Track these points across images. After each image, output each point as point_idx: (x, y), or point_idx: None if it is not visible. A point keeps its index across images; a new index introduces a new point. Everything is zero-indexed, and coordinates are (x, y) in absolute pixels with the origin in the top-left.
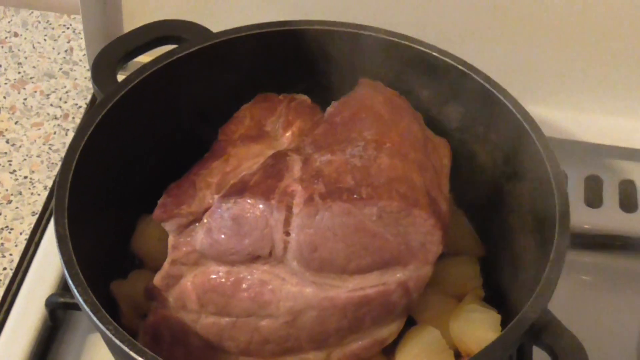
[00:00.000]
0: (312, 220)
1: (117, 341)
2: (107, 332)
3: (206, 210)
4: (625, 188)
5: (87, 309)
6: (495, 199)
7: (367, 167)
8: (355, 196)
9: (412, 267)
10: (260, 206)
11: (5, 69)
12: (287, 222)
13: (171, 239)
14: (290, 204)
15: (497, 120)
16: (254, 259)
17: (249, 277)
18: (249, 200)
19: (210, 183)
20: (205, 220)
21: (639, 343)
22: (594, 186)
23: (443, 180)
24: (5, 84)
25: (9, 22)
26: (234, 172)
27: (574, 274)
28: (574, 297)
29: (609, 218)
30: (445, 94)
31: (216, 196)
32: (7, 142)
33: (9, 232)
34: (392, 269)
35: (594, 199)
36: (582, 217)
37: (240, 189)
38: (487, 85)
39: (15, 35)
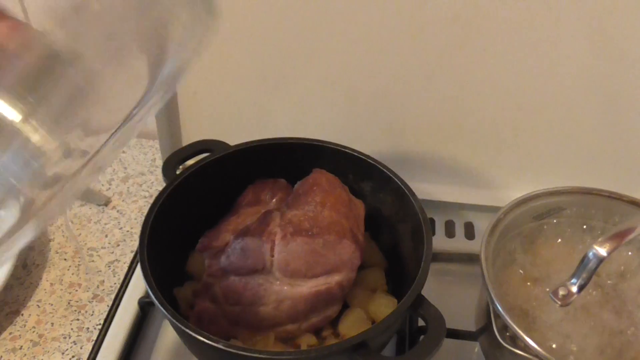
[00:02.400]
0: (286, 247)
1: (176, 322)
2: (171, 318)
3: (226, 244)
4: (469, 226)
5: (158, 305)
6: (391, 233)
7: (316, 217)
8: (310, 233)
9: (344, 273)
10: (257, 241)
11: (116, 172)
12: (272, 249)
13: (206, 262)
14: (273, 238)
15: (392, 191)
16: (254, 271)
17: (251, 282)
18: (250, 238)
19: (229, 229)
20: (226, 250)
21: (475, 315)
22: (450, 226)
23: (360, 223)
24: (117, 179)
25: None
26: (243, 222)
27: (439, 276)
28: (439, 289)
29: (459, 243)
30: (361, 176)
31: (232, 236)
32: (118, 211)
33: (118, 262)
34: (333, 274)
35: (450, 232)
36: (444, 244)
37: (245, 232)
38: (386, 172)
39: (123, 152)
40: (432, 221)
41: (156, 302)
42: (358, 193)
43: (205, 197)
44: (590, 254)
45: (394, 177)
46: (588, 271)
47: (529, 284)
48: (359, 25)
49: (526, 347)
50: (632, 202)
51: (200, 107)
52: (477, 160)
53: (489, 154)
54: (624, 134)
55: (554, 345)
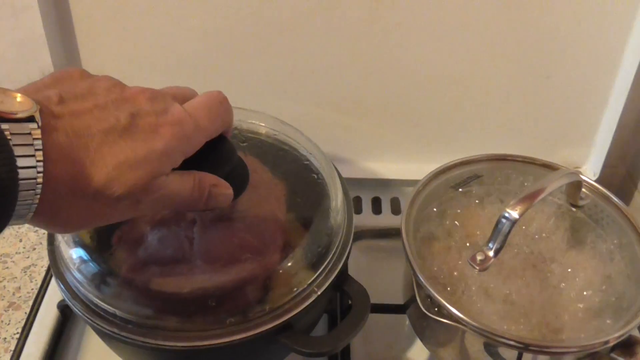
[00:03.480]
0: (205, 234)
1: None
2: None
3: (143, 236)
4: (395, 202)
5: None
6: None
7: (236, 201)
8: (229, 217)
9: (268, 255)
10: (175, 229)
11: None
12: (191, 237)
13: (124, 256)
14: (192, 226)
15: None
16: (175, 261)
17: (172, 273)
18: (167, 227)
19: (145, 220)
20: (143, 242)
21: (402, 289)
22: (376, 202)
23: (282, 204)
24: None
25: None
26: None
27: (367, 252)
28: (367, 266)
29: (385, 219)
30: (279, 159)
31: (148, 227)
32: None
33: (35, 267)
34: (256, 257)
35: (376, 209)
36: (370, 220)
37: (162, 221)
38: (306, 156)
39: None
40: (359, 199)
41: (72, 305)
42: (278, 175)
43: None
44: (503, 217)
45: (313, 164)
46: (502, 234)
47: (450, 253)
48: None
49: (450, 315)
50: (545, 165)
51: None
52: (397, 135)
53: (409, 128)
54: (534, 100)
55: (476, 311)
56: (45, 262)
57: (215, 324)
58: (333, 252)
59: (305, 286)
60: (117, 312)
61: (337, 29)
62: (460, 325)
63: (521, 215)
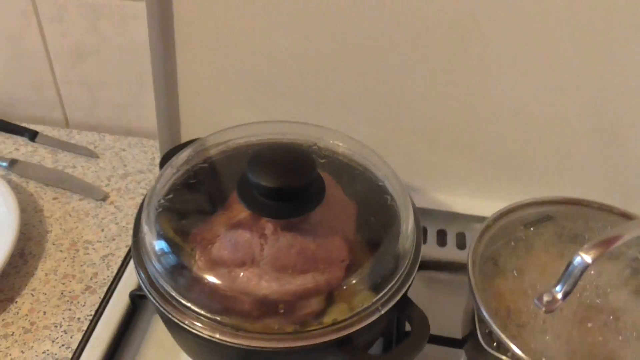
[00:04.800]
0: (276, 242)
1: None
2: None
3: (217, 237)
4: (460, 236)
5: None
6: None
7: (309, 214)
8: (301, 229)
9: (333, 271)
10: (247, 234)
11: (116, 169)
12: (262, 244)
13: (197, 255)
14: (264, 233)
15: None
16: (243, 265)
17: (241, 274)
18: (241, 231)
19: (221, 222)
20: (216, 243)
21: (461, 322)
22: (441, 234)
23: (352, 224)
24: (116, 176)
25: (120, 143)
26: (235, 217)
27: (429, 284)
28: (428, 296)
29: (450, 252)
30: (355, 179)
31: (223, 230)
32: (115, 207)
33: (112, 256)
34: (321, 272)
35: (441, 241)
36: (434, 252)
37: (236, 225)
38: (381, 182)
39: (123, 150)
40: (425, 229)
41: (148, 293)
42: (351, 195)
43: (200, 193)
44: (576, 260)
45: (387, 188)
46: (573, 278)
47: (515, 291)
48: (363, 27)
49: (511, 353)
50: (623, 215)
51: (200, 107)
52: (470, 169)
53: (483, 163)
54: (617, 148)
55: (537, 352)
56: (122, 252)
57: (278, 329)
58: (398, 276)
59: (370, 304)
60: (190, 305)
61: (422, 60)
62: None
63: (594, 260)
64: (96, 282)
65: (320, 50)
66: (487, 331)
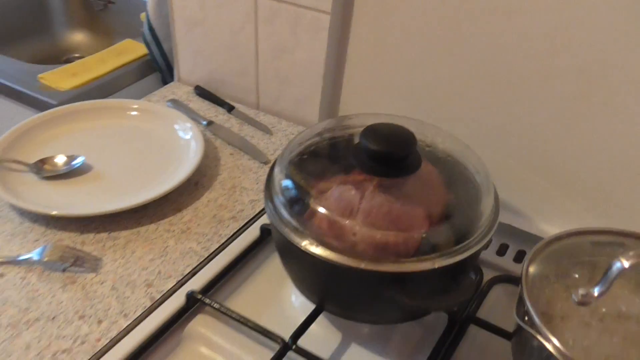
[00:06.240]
0: (372, 200)
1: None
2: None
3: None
4: (520, 252)
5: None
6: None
7: (407, 186)
8: (394, 195)
9: (410, 234)
10: (351, 189)
11: (282, 145)
12: (361, 198)
13: (312, 201)
14: (364, 190)
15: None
16: (342, 214)
17: (338, 220)
18: (348, 186)
19: (337, 181)
20: (327, 193)
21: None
22: (503, 247)
23: (440, 209)
24: (280, 150)
25: (292, 129)
26: (347, 179)
27: (503, 294)
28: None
29: (506, 263)
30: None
31: (335, 185)
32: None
33: (259, 202)
34: (401, 233)
35: (501, 252)
36: (513, 267)
37: (345, 182)
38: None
39: (292, 134)
40: (506, 246)
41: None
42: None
43: (326, 158)
44: (615, 264)
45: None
46: (609, 278)
47: (563, 296)
48: (505, 64)
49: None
50: None
51: (355, 108)
52: (573, 203)
53: (585, 201)
54: None
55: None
56: None
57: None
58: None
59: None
60: (299, 227)
61: (550, 100)
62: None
63: (631, 266)
64: (241, 215)
65: (468, 76)
66: (532, 332)
